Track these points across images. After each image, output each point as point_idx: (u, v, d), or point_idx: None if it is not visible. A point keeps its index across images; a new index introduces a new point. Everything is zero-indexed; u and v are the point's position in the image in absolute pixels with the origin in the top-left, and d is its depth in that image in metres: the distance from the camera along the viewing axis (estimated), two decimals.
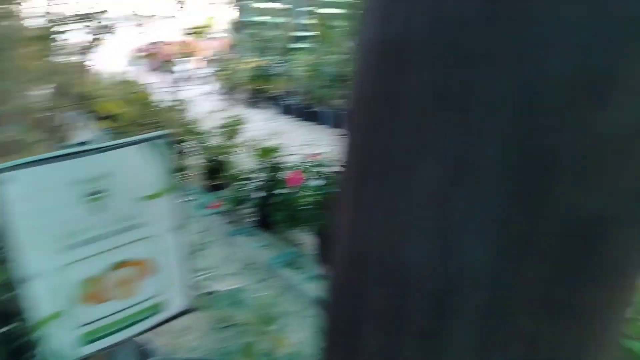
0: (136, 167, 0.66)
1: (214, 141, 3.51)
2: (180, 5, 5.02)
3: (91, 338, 0.68)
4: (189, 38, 5.45)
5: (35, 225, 0.59)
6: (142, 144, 0.69)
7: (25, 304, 0.64)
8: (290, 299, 2.18)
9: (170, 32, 5.96)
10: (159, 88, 4.40)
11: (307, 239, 2.68)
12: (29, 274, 0.59)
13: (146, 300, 0.74)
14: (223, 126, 3.53)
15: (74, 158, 0.62)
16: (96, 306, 0.66)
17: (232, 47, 8.86)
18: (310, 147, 3.03)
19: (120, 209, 0.66)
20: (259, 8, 8.80)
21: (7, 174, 0.60)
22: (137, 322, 0.74)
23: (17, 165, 0.61)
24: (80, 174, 0.61)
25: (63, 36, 2.44)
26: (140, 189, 0.68)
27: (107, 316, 0.68)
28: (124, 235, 0.67)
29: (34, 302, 0.61)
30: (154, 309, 0.75)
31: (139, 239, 0.69)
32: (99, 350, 0.74)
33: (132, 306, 0.71)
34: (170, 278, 0.76)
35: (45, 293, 0.61)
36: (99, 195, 0.63)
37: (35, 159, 0.62)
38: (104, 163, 0.63)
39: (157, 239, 0.72)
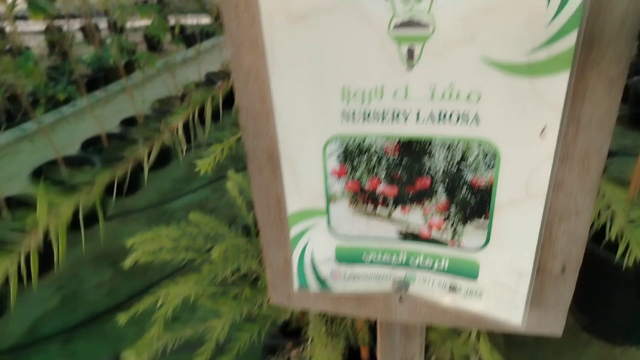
0: None
1: None
2: None
3: (348, 259, 0.47)
4: None
5: (305, 62, 0.38)
6: None
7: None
8: None
9: None
10: None
11: None
12: (285, 144, 0.42)
13: (456, 248, 0.44)
14: None
15: None
16: (369, 220, 0.45)
17: None
18: None
19: (446, 72, 0.37)
20: None
21: None
22: (429, 271, 0.46)
23: None
24: None
25: None
26: (496, 43, 0.34)
27: (380, 239, 0.46)
28: (441, 126, 0.39)
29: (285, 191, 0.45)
30: (466, 270, 0.44)
31: (468, 142, 0.39)
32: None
33: (425, 242, 0.45)
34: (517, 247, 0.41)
35: (302, 176, 0.43)
36: (419, 32, 0.36)
37: None
38: None
39: (502, 155, 0.38)
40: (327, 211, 0.45)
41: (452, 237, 0.43)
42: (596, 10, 0.33)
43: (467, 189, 0.41)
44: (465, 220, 0.42)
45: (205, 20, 5.63)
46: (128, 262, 1.05)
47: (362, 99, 0.39)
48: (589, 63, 0.35)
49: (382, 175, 0.42)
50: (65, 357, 1.78)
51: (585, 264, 0.44)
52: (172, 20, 4.89)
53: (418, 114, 0.38)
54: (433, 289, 0.46)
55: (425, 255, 0.45)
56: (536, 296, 0.43)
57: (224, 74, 4.28)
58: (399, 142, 0.40)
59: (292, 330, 1.21)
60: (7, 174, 3.15)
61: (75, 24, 7.09)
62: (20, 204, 2.24)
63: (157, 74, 4.15)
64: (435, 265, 0.45)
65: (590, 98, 0.36)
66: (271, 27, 0.37)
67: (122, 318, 0.97)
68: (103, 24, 6.97)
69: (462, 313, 0.46)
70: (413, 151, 0.40)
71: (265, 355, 1.16)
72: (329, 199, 0.44)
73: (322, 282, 0.48)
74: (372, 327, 0.81)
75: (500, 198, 0.40)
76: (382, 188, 0.43)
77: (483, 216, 0.41)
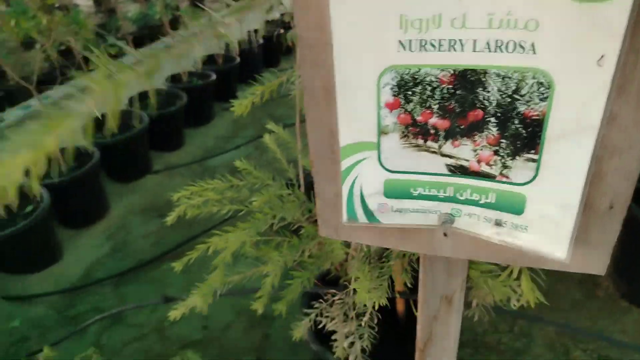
0: None
1: None
2: None
3: (396, 193, 0.49)
4: None
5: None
6: None
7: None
8: None
9: None
10: None
11: None
12: (340, 75, 0.43)
13: (504, 182, 0.44)
14: None
15: None
16: (419, 154, 0.46)
17: None
18: None
19: (503, 1, 0.36)
20: None
21: None
22: (475, 205, 0.47)
23: None
24: None
25: None
26: None
27: (429, 174, 0.47)
28: (497, 55, 0.38)
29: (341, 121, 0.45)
30: (512, 204, 0.45)
31: (523, 72, 0.38)
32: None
33: (473, 176, 0.45)
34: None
35: (356, 109, 0.45)
36: None
37: None
38: None
39: (557, 86, 0.38)
40: (378, 145, 0.46)
41: (501, 172, 0.44)
42: None
43: (518, 122, 0.41)
44: (515, 154, 0.43)
45: None
46: (173, 217, 1.11)
47: (419, 27, 0.39)
48: None
49: (435, 107, 0.43)
50: (116, 299, 1.91)
51: (625, 230, 0.44)
52: None
53: (475, 44, 0.39)
54: (478, 224, 0.48)
55: (473, 189, 0.46)
56: (582, 233, 0.44)
57: (268, 32, 4.27)
58: (454, 72, 0.41)
59: (330, 279, 1.26)
60: None
61: None
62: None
63: (201, 32, 4.18)
64: (482, 199, 0.46)
65: None
66: None
67: (177, 265, 1.04)
68: None
69: (506, 248, 0.47)
70: (467, 82, 0.41)
71: (308, 302, 1.22)
72: (381, 132, 0.45)
73: (369, 214, 0.51)
74: (412, 274, 0.84)
75: (551, 131, 0.40)
76: (434, 121, 0.44)
77: (533, 150, 0.42)
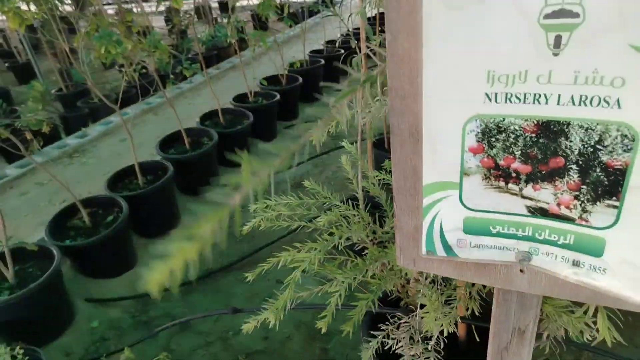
0: None
1: None
2: None
3: (475, 230, 0.52)
4: None
5: (452, 50, 0.43)
6: None
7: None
8: None
9: None
10: None
11: None
12: (428, 121, 0.48)
13: (583, 225, 0.46)
14: None
15: None
16: (500, 195, 0.49)
17: None
18: None
19: (591, 58, 0.39)
20: None
21: None
22: (553, 245, 0.49)
23: None
24: None
25: None
26: None
27: (508, 213, 0.50)
28: (581, 109, 0.41)
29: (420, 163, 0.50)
30: (591, 247, 0.47)
31: (607, 125, 0.41)
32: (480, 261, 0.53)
33: (552, 218, 0.48)
34: None
35: (441, 152, 0.49)
36: (568, 21, 0.39)
37: None
38: None
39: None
40: (460, 185, 0.50)
41: (581, 215, 0.46)
42: None
43: (600, 170, 0.43)
44: (595, 199, 0.45)
45: None
46: (248, 227, 1.18)
47: (505, 82, 0.43)
48: None
49: (517, 153, 0.46)
50: (185, 306, 2.02)
51: None
52: None
53: (559, 97, 0.42)
54: (556, 263, 0.50)
55: (552, 230, 0.48)
56: None
57: (328, 52, 4.37)
58: (537, 122, 0.44)
59: (391, 301, 1.28)
60: (138, 141, 3.55)
61: (190, 4, 7.61)
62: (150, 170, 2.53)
63: (264, 52, 4.36)
64: (560, 240, 0.48)
65: None
66: (430, 16, 0.42)
67: (249, 275, 1.11)
68: (213, 3, 7.39)
69: (583, 288, 0.49)
70: (550, 132, 0.44)
71: (369, 323, 1.24)
72: (463, 173, 0.49)
73: (448, 248, 0.54)
74: (482, 302, 0.85)
75: (634, 180, 0.42)
76: (516, 165, 0.47)
77: (614, 197, 0.44)
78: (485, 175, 0.48)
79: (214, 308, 1.97)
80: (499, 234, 0.51)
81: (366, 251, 1.20)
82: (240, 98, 3.49)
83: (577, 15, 0.39)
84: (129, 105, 4.06)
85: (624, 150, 0.41)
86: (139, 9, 4.68)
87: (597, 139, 0.42)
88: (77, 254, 2.10)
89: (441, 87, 0.45)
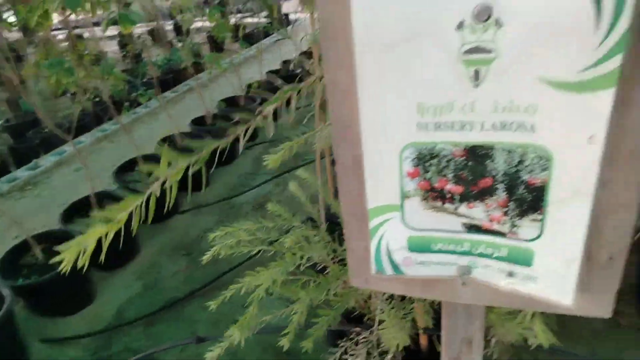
0: (561, 17, 0.39)
1: None
2: None
3: (418, 248, 0.56)
4: None
5: (385, 86, 0.47)
6: None
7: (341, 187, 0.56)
8: None
9: None
10: None
11: None
12: (368, 150, 0.51)
13: (514, 239, 0.51)
14: None
15: None
16: (438, 215, 0.53)
17: None
18: None
19: (507, 89, 0.44)
20: None
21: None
22: (489, 258, 0.53)
23: None
24: (466, 11, 0.42)
25: None
26: (551, 65, 0.42)
27: (447, 231, 0.54)
28: (502, 134, 0.45)
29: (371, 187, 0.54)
30: (522, 258, 0.51)
31: (525, 148, 0.45)
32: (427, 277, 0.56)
33: (486, 233, 0.52)
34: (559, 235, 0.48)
35: (382, 177, 0.53)
36: (483, 56, 0.43)
37: None
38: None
39: (555, 159, 0.45)
40: (402, 207, 0.53)
41: (510, 229, 0.50)
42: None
43: (524, 188, 0.48)
44: (522, 214, 0.49)
45: (263, 19, 5.82)
46: (208, 256, 1.18)
47: (434, 112, 0.47)
48: (634, 79, 0.41)
49: (450, 176, 0.50)
50: (149, 338, 1.97)
51: None
52: (232, 20, 5.10)
53: (482, 124, 0.46)
54: (493, 274, 0.54)
55: (487, 244, 0.52)
56: (586, 281, 0.49)
57: (285, 73, 4.43)
58: (465, 148, 0.48)
59: (355, 317, 1.31)
60: (93, 170, 3.46)
61: (143, 27, 7.55)
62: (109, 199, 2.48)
63: (221, 74, 4.37)
64: (495, 253, 0.52)
65: (635, 107, 0.42)
66: (363, 55, 0.46)
67: (213, 304, 1.11)
68: (168, 26, 7.36)
69: (518, 296, 0.53)
70: (477, 155, 0.48)
71: (333, 340, 1.26)
72: (404, 196, 0.52)
73: (395, 267, 0.57)
74: (434, 314, 0.88)
75: (552, 196, 0.47)
76: (449, 187, 0.50)
77: (537, 211, 0.48)
78: (423, 196, 0.52)
79: (179, 338, 1.94)
80: (440, 251, 0.55)
81: (328, 270, 1.22)
82: (199, 121, 3.48)
83: (490, 51, 0.43)
84: (83, 133, 3.96)
85: (542, 170, 0.46)
86: (89, 34, 4.61)
87: (518, 160, 0.47)
88: (31, 293, 2.01)
89: (377, 118, 0.49)
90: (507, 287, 0.53)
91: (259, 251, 1.23)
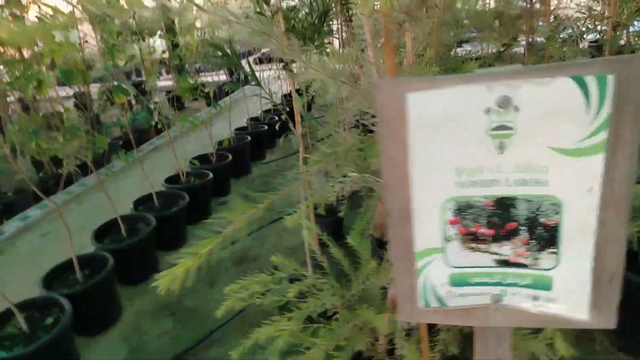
0: (562, 105, 0.55)
1: None
2: None
3: (458, 282, 0.68)
4: None
5: (431, 155, 0.61)
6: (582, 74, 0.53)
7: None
8: None
9: None
10: None
11: None
12: (416, 204, 0.65)
13: (535, 269, 0.64)
14: None
15: (490, 80, 0.56)
16: (474, 253, 0.66)
17: None
18: None
19: (525, 155, 0.59)
20: None
21: (415, 94, 0.59)
22: (517, 287, 0.66)
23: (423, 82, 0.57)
24: (491, 101, 0.57)
25: None
26: (557, 137, 0.57)
27: (481, 266, 0.67)
28: (522, 188, 0.60)
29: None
30: (543, 284, 0.65)
31: (541, 198, 0.60)
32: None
33: (513, 266, 0.66)
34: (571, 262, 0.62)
35: (427, 225, 0.66)
36: (506, 132, 0.58)
37: (446, 78, 0.58)
38: (523, 91, 0.55)
39: (564, 205, 0.59)
40: (444, 249, 0.66)
41: (533, 262, 0.64)
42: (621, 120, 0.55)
43: (541, 228, 0.62)
44: (541, 249, 0.63)
45: (222, 77, 6.01)
46: (222, 310, 1.25)
47: (469, 173, 0.60)
48: (617, 147, 0.56)
49: (483, 222, 0.63)
50: None
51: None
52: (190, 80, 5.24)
53: (507, 181, 0.60)
54: (521, 299, 0.66)
55: (514, 275, 0.65)
56: (595, 299, 0.63)
57: (253, 129, 4.57)
58: (494, 199, 0.61)
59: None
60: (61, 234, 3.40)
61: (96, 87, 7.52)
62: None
63: (186, 131, 4.45)
64: (521, 282, 0.65)
65: (619, 167, 0.57)
66: (415, 133, 0.59)
67: (234, 355, 1.16)
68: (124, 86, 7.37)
69: (542, 316, 0.66)
70: (504, 205, 0.62)
71: None
72: (446, 240, 0.65)
73: (439, 300, 0.69)
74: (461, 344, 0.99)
75: (564, 233, 0.61)
76: (482, 230, 0.64)
77: (553, 246, 0.62)
78: (462, 239, 0.65)
79: None
80: (476, 284, 0.67)
81: (337, 315, 1.31)
82: (172, 180, 3.52)
83: (511, 128, 0.58)
84: (48, 196, 3.87)
85: (555, 213, 0.60)
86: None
87: (536, 207, 0.61)
88: None
89: (424, 180, 0.62)
90: (533, 310, 0.65)
91: (243, 308, 1.28)
